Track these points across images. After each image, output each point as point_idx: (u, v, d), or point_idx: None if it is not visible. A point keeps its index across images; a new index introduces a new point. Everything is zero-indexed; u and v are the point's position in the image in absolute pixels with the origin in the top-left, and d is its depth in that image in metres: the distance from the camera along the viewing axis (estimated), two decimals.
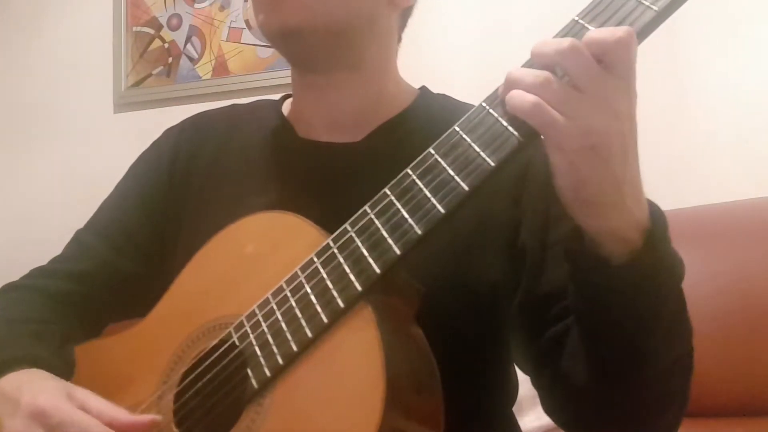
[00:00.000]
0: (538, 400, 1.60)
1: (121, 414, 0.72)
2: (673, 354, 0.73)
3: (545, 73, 0.64)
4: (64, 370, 0.83)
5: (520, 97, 0.64)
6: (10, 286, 0.98)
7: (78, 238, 1.01)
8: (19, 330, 0.88)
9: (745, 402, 1.44)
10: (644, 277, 0.69)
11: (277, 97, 1.05)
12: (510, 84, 0.66)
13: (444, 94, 0.99)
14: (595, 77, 0.62)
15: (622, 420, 0.76)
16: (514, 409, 0.98)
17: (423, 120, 0.91)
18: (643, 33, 0.65)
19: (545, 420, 1.59)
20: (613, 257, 0.69)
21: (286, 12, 0.86)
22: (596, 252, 0.69)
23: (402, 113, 0.94)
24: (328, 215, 0.75)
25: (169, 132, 1.04)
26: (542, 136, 0.65)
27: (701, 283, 1.47)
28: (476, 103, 0.70)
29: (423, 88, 1.00)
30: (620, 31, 0.62)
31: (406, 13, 0.96)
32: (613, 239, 0.68)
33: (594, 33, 0.63)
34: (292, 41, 0.90)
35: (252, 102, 1.06)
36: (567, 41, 0.63)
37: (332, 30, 0.88)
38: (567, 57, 0.63)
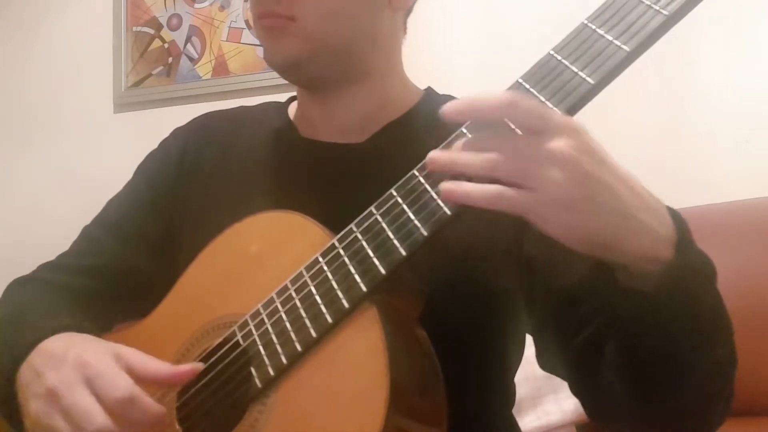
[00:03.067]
0: (537, 401, 1.62)
1: (162, 367, 0.73)
2: (715, 356, 0.71)
3: (493, 155, 0.62)
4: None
5: (479, 192, 0.62)
6: (24, 279, 0.98)
7: (88, 233, 1.01)
8: (54, 310, 0.88)
9: (747, 402, 1.44)
10: (681, 291, 0.66)
11: (278, 97, 1.06)
12: (457, 167, 0.64)
13: (449, 95, 0.97)
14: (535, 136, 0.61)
15: (670, 424, 0.75)
16: (513, 410, 0.98)
17: (428, 120, 0.91)
18: (653, 38, 0.65)
19: (544, 420, 1.61)
20: (646, 280, 0.66)
21: (286, 45, 0.87)
22: (628, 284, 0.67)
23: (407, 114, 0.94)
24: (333, 215, 0.75)
25: (177, 131, 1.04)
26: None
27: None
28: None
29: (429, 89, 1.00)
30: (504, 96, 0.62)
31: (407, 13, 0.96)
32: (643, 263, 0.65)
33: (477, 103, 0.63)
34: (296, 72, 0.91)
35: (259, 104, 1.06)
36: (501, 98, 0.62)
37: (335, 55, 0.88)
38: (508, 112, 0.62)
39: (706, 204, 1.64)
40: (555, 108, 0.66)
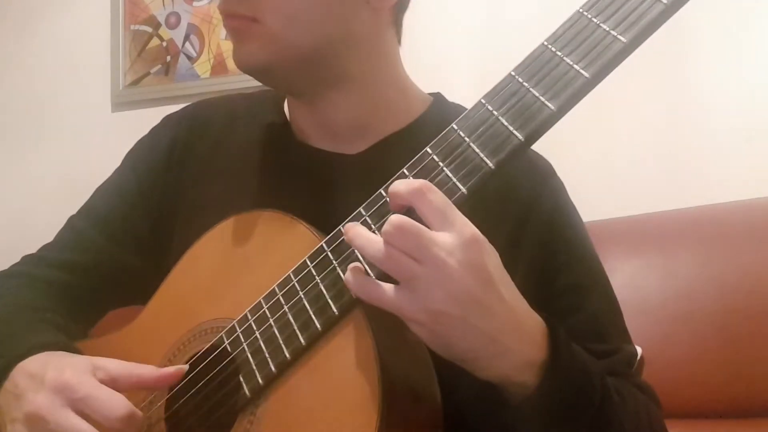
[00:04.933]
0: None
1: (146, 371, 0.73)
2: None
3: (383, 251, 0.63)
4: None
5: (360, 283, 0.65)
6: (6, 274, 0.95)
7: (73, 225, 0.97)
8: (35, 317, 0.86)
9: (747, 404, 1.43)
10: (546, 413, 0.67)
11: None
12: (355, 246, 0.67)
13: (458, 104, 0.93)
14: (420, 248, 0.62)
15: None
16: None
17: (434, 132, 0.87)
18: (651, 28, 0.62)
19: None
20: (514, 397, 0.68)
21: (251, 48, 0.83)
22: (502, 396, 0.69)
23: (409, 126, 0.89)
24: (323, 225, 0.73)
25: (168, 120, 1.01)
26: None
27: (703, 283, 1.46)
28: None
29: (437, 96, 0.94)
30: (416, 182, 0.64)
31: (398, 12, 0.89)
32: (506, 383, 0.67)
33: (392, 186, 0.65)
34: (265, 76, 0.87)
35: (255, 93, 1.02)
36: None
37: (303, 59, 0.84)
38: (391, 236, 0.63)
39: (707, 204, 1.63)
40: (548, 103, 0.64)
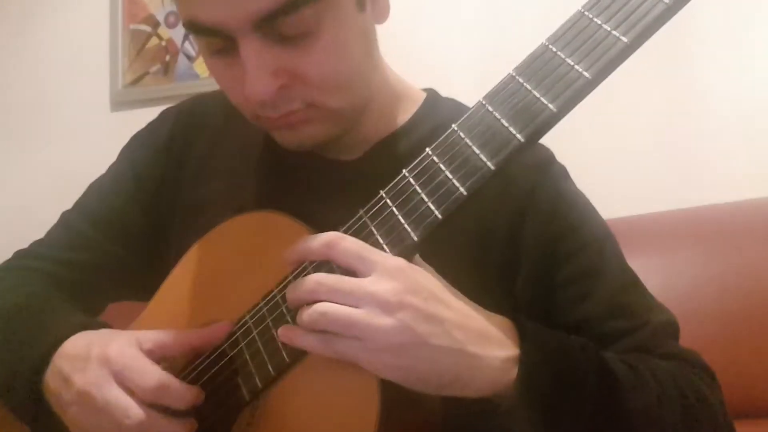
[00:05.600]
0: None
1: (192, 333, 0.74)
2: None
3: (315, 309, 0.64)
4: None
5: (307, 339, 0.65)
6: (4, 267, 0.94)
7: (67, 222, 0.96)
8: (58, 301, 0.86)
9: (750, 403, 1.43)
10: (535, 402, 0.65)
11: None
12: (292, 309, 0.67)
13: (453, 99, 0.92)
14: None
15: None
16: None
17: (428, 130, 0.84)
18: (653, 28, 0.62)
19: None
20: (502, 403, 0.66)
21: (315, 131, 0.79)
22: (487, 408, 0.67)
23: (402, 127, 0.88)
24: (319, 227, 0.72)
25: (165, 115, 0.99)
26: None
27: (704, 283, 1.46)
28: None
29: (430, 93, 0.92)
30: (324, 236, 0.66)
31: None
32: (489, 392, 0.65)
33: (299, 246, 0.68)
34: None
35: None
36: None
37: (362, 108, 0.83)
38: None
39: (707, 204, 1.62)
40: (549, 104, 0.63)
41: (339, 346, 0.63)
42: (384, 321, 0.61)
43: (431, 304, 0.63)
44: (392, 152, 0.85)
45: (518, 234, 0.81)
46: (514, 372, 0.65)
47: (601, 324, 0.76)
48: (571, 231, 0.82)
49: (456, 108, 0.90)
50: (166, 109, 1.00)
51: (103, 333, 0.77)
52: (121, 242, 0.93)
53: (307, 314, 0.64)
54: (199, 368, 0.75)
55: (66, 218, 0.96)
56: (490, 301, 0.70)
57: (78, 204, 0.97)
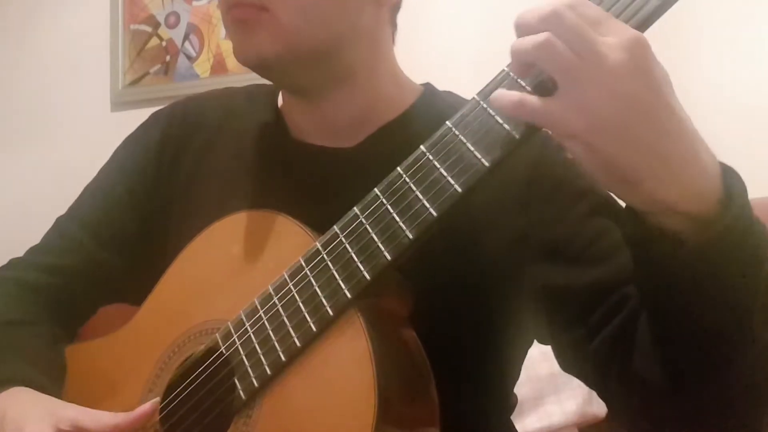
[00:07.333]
0: (539, 402, 1.60)
1: (119, 418, 0.72)
2: (764, 339, 0.62)
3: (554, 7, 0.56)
4: (54, 386, 0.80)
5: (506, 96, 0.59)
6: None
7: (60, 227, 0.95)
8: (6, 338, 0.84)
9: None
10: (724, 258, 0.58)
11: None
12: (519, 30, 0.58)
13: (450, 92, 0.93)
14: (588, 39, 0.55)
15: (714, 417, 0.66)
16: (516, 411, 0.95)
17: (425, 121, 0.83)
18: (654, 16, 0.61)
19: (546, 422, 1.59)
20: (681, 237, 0.59)
21: (259, 40, 0.78)
22: (660, 235, 0.59)
23: (402, 115, 0.88)
24: (318, 221, 0.72)
25: (157, 117, 0.98)
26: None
27: None
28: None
29: (427, 86, 0.93)
30: (548, 7, 0.57)
31: (394, 11, 0.89)
32: (672, 216, 0.58)
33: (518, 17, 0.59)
34: (270, 71, 0.84)
35: (248, 87, 0.99)
36: (547, 9, 0.56)
37: (316, 53, 0.81)
38: (552, 23, 0.56)
39: None
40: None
41: (537, 101, 0.57)
42: (598, 82, 0.54)
43: (651, 93, 0.56)
44: (391, 139, 0.85)
45: (527, 202, 0.81)
46: (696, 205, 0.58)
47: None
48: (581, 195, 0.81)
49: (453, 99, 0.91)
50: (158, 111, 0.99)
51: (22, 401, 0.75)
52: (111, 246, 0.93)
53: (537, 11, 0.56)
54: (194, 369, 0.74)
55: (59, 224, 0.97)
56: (496, 258, 0.71)
57: (70, 209, 0.97)
